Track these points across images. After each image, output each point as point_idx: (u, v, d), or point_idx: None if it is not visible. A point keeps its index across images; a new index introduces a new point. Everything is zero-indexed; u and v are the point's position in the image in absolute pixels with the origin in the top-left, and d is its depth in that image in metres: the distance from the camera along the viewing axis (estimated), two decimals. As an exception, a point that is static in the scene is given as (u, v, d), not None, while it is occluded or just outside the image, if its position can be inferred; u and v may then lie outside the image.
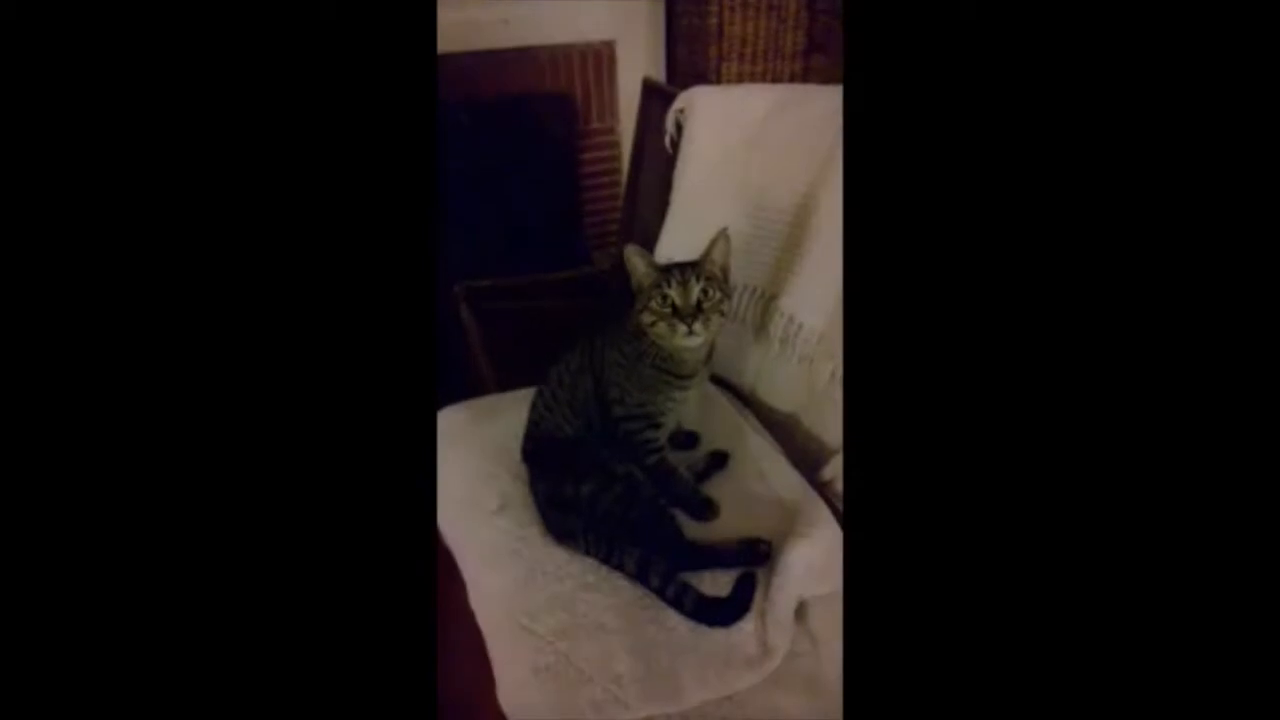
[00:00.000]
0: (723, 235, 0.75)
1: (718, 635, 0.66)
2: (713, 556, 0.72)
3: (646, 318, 0.73)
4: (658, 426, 0.80)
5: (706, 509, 0.78)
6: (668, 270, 0.73)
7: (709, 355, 0.81)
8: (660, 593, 0.69)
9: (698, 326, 0.71)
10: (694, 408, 0.85)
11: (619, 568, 0.72)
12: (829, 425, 0.86)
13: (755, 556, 0.71)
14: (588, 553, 0.74)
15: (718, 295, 0.72)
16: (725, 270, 0.76)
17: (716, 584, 0.70)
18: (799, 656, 0.66)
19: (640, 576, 0.70)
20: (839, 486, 0.78)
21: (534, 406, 0.86)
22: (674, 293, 0.71)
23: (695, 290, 0.71)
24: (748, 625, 0.66)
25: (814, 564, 0.68)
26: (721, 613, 0.67)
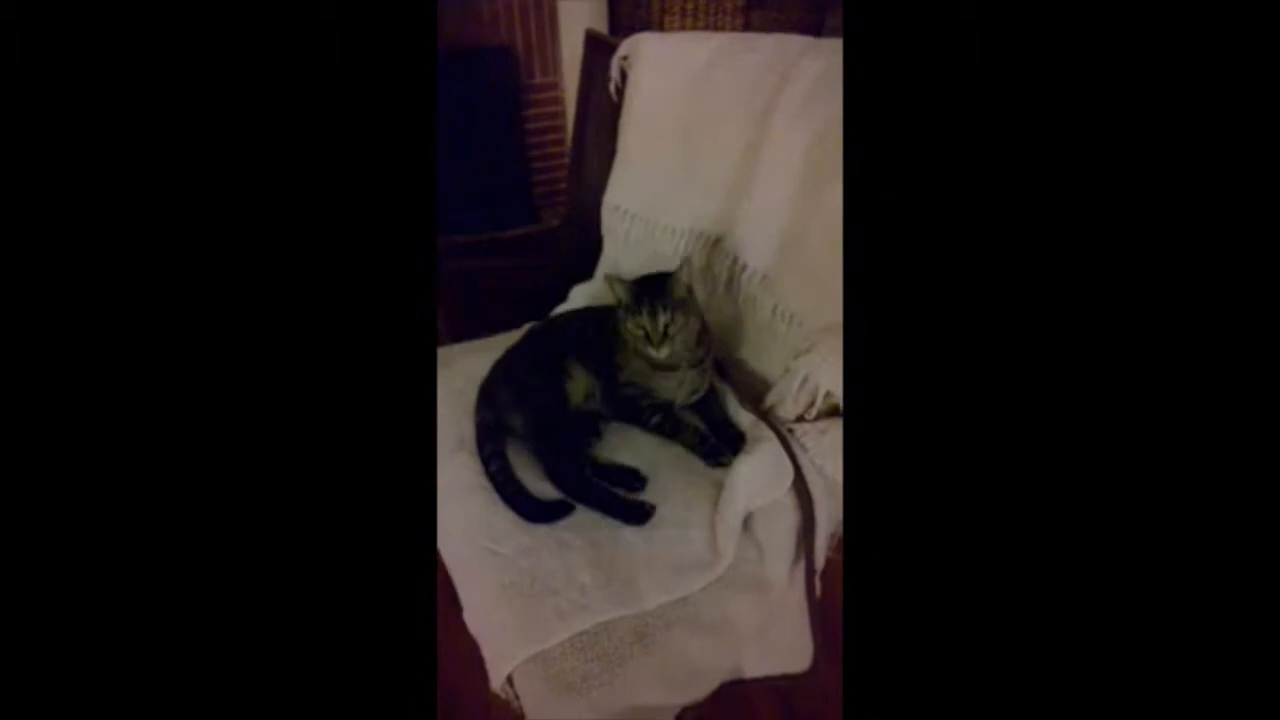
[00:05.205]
0: (684, 266, 0.83)
1: (673, 544, 0.71)
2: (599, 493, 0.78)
3: (626, 331, 0.84)
4: (652, 396, 0.87)
5: (726, 451, 0.82)
6: (640, 296, 0.82)
7: (699, 345, 0.86)
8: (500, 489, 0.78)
9: (664, 348, 0.82)
10: (688, 387, 0.89)
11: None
12: (769, 360, 0.91)
13: (635, 482, 0.79)
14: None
15: (682, 319, 0.82)
16: (690, 289, 0.85)
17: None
18: (746, 562, 0.72)
19: None
20: (780, 411, 0.83)
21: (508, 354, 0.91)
22: (645, 321, 0.81)
23: (662, 320, 0.82)
24: (700, 534, 0.72)
25: (757, 478, 0.74)
26: (545, 513, 0.75)
